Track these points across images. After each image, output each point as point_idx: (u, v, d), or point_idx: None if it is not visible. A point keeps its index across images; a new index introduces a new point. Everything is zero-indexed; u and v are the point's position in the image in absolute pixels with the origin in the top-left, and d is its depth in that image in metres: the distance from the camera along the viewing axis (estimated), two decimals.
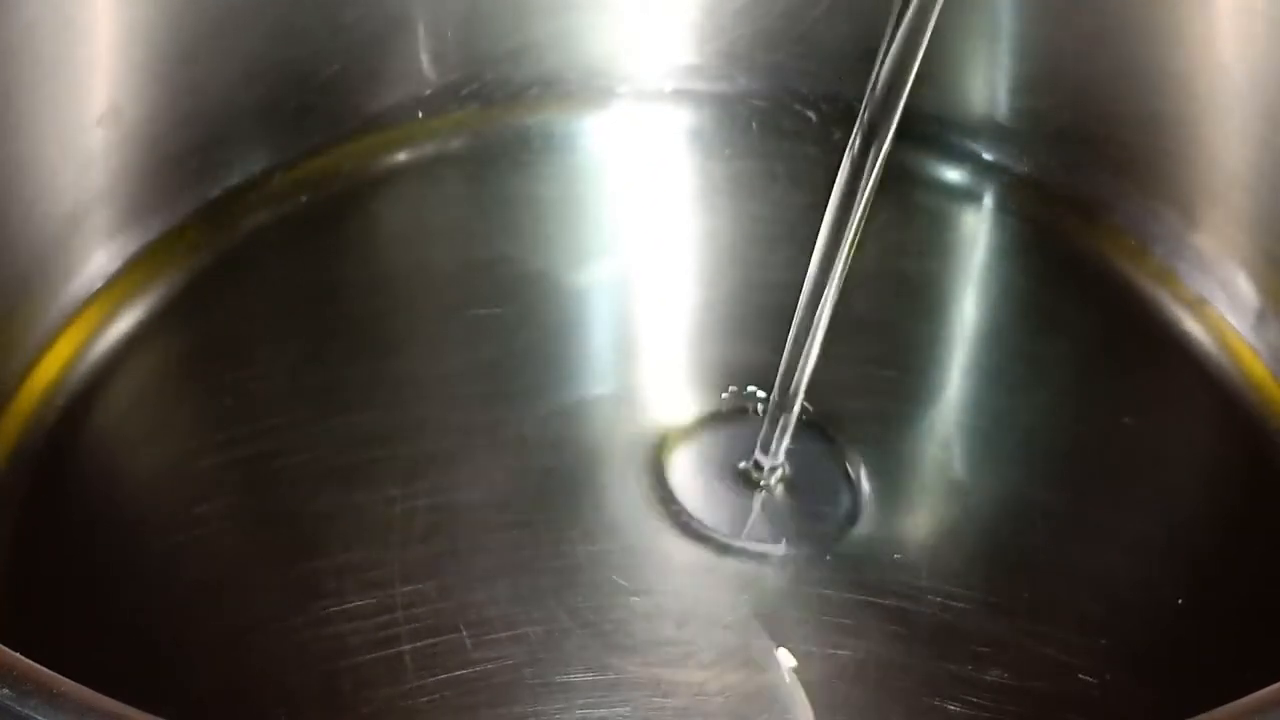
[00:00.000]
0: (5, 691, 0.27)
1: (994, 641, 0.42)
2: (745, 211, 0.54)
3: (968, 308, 0.52)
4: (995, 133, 0.55)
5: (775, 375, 0.43)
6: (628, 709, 0.40)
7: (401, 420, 0.46)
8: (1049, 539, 0.45)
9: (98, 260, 0.50)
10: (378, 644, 0.41)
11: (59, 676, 0.28)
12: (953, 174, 0.56)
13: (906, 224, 0.54)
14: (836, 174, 0.40)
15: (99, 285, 0.50)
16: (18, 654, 0.28)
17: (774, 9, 0.56)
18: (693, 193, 0.56)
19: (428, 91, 0.56)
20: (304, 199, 0.53)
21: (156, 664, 0.41)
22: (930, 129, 0.56)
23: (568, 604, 0.42)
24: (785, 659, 0.41)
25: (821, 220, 0.41)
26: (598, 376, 0.50)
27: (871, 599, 0.43)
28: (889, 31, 0.38)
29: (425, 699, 0.40)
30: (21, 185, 0.47)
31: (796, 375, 0.42)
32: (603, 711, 0.40)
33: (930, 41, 0.38)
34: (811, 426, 0.46)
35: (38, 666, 0.28)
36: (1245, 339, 0.50)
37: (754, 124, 0.57)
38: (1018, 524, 0.45)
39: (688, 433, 0.47)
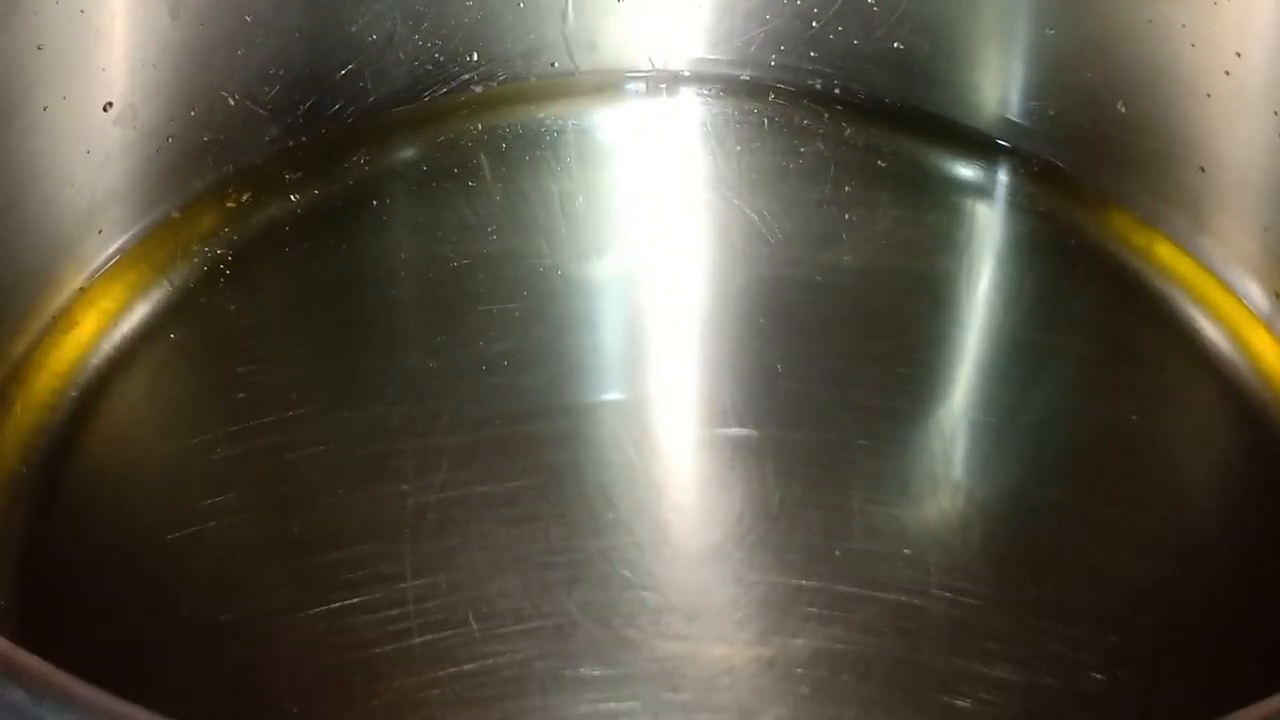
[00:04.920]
0: (20, 694, 0.27)
1: (1003, 638, 0.42)
2: (756, 207, 0.54)
3: (979, 305, 0.52)
4: (1007, 131, 0.56)
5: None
6: (637, 703, 0.40)
7: (413, 414, 0.47)
8: (1059, 535, 0.45)
9: (112, 254, 0.50)
10: (389, 637, 0.41)
11: (74, 679, 0.28)
12: (964, 171, 0.56)
13: (918, 221, 0.54)
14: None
15: (113, 279, 0.50)
16: (34, 655, 0.28)
17: (787, 10, 0.57)
18: (704, 188, 0.56)
19: (439, 89, 0.56)
20: (316, 193, 0.53)
21: (169, 657, 0.41)
22: (943, 127, 0.56)
23: (578, 598, 0.42)
24: (794, 653, 0.41)
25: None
26: (608, 372, 0.50)
27: (880, 594, 0.43)
28: None
29: (436, 691, 0.40)
30: (38, 181, 0.47)
31: None
32: (612, 705, 0.40)
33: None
34: None
35: (53, 669, 0.28)
36: (1255, 336, 0.50)
37: (765, 120, 0.57)
38: (1027, 520, 0.45)
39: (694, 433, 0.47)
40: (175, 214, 0.52)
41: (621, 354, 0.51)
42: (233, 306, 0.50)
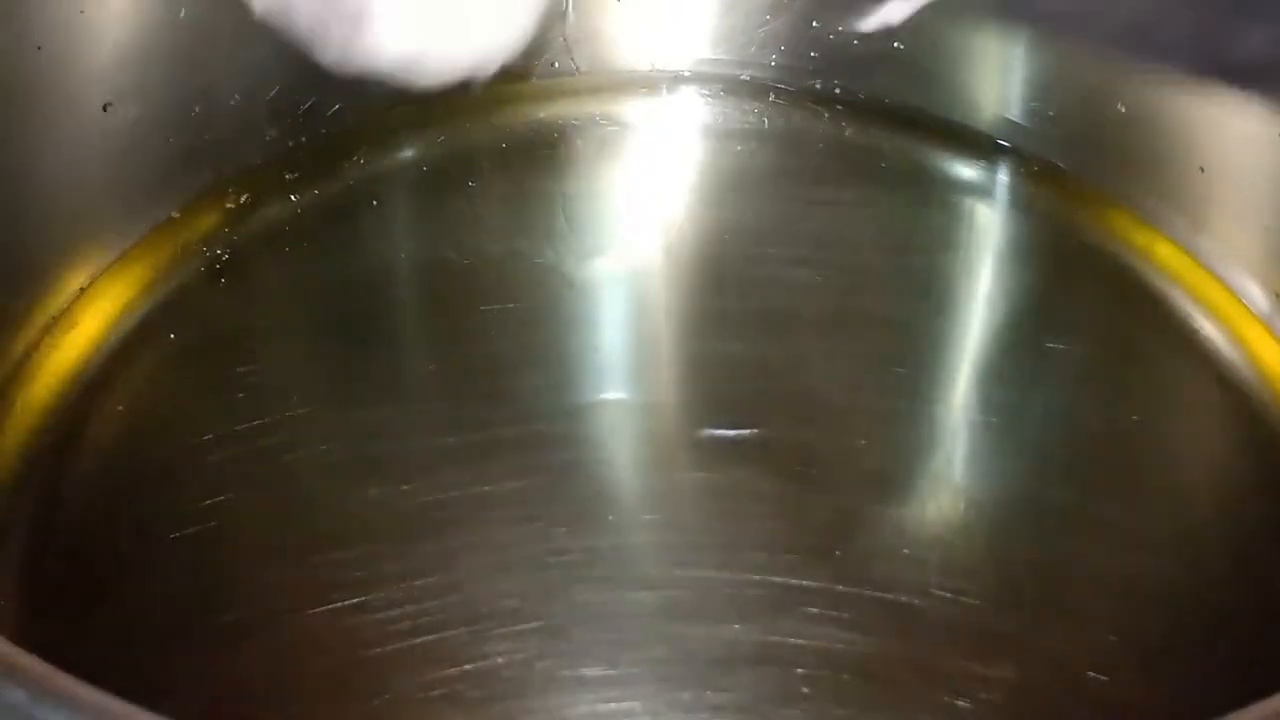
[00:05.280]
0: (20, 694, 0.27)
1: (1003, 638, 0.42)
2: (756, 207, 0.54)
3: (979, 305, 0.52)
4: (1007, 131, 0.56)
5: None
6: (637, 704, 0.40)
7: (413, 415, 0.47)
8: (1059, 536, 0.45)
9: (112, 254, 0.50)
10: (389, 637, 0.41)
11: (74, 679, 0.28)
12: (965, 171, 0.56)
13: (918, 221, 0.54)
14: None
15: (113, 279, 0.50)
16: (33, 656, 0.28)
17: (787, 10, 0.57)
18: (704, 188, 0.56)
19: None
20: (316, 193, 0.54)
21: (169, 658, 0.41)
22: (943, 127, 0.56)
23: (578, 599, 0.42)
24: (794, 653, 0.41)
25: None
26: (608, 371, 0.50)
27: (880, 595, 0.43)
28: None
29: (436, 692, 0.40)
30: (38, 181, 0.47)
31: None
32: (611, 705, 0.40)
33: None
34: None
35: (53, 669, 0.28)
36: (1255, 336, 0.50)
37: (765, 120, 0.57)
38: (1027, 521, 0.45)
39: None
40: (175, 214, 0.52)
41: (621, 354, 0.51)
42: (233, 306, 0.50)
